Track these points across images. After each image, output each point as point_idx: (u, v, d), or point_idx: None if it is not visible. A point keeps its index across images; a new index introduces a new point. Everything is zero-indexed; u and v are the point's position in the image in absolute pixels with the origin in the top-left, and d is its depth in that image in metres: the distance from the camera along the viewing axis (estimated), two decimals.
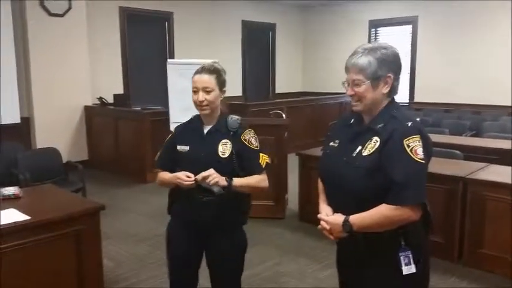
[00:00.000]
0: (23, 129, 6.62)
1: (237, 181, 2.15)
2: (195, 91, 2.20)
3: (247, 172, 2.20)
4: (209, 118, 2.26)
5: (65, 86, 6.92)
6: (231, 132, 2.21)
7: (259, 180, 2.22)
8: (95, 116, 7.33)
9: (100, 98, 7.34)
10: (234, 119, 2.25)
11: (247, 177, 2.19)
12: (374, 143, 1.72)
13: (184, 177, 2.13)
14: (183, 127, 2.36)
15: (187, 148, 2.24)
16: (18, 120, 6.50)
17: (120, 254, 4.05)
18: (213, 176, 2.08)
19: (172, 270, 2.37)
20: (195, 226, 2.25)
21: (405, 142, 1.66)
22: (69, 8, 6.82)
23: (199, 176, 2.09)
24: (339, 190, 1.81)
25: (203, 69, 2.21)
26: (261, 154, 2.25)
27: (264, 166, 2.24)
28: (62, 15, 6.77)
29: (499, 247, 3.53)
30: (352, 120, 1.89)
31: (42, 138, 6.63)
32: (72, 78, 6.98)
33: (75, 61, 7.00)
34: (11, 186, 3.09)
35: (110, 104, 7.39)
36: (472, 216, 3.66)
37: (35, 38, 6.56)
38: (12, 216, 2.57)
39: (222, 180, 2.10)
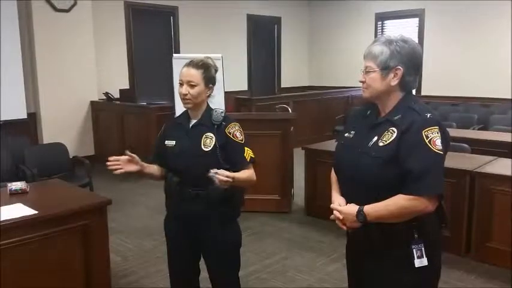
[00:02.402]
0: (30, 124, 6.64)
1: (237, 176, 2.09)
2: (181, 83, 2.21)
3: (233, 165, 2.18)
4: (195, 112, 2.27)
5: (71, 81, 6.93)
6: (215, 126, 2.21)
7: (250, 175, 2.21)
8: (101, 111, 7.34)
9: (106, 93, 7.35)
10: (218, 112, 2.25)
11: (241, 172, 2.17)
12: (391, 134, 1.72)
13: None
14: (171, 122, 2.40)
15: (173, 143, 2.27)
16: (24, 116, 6.52)
17: (127, 248, 4.07)
18: (228, 179, 2.02)
19: (170, 261, 2.41)
20: (186, 220, 2.26)
21: (424, 133, 1.66)
22: (75, 3, 6.82)
23: (226, 174, 2.02)
24: (353, 180, 1.81)
25: (191, 63, 2.21)
26: (246, 148, 2.23)
27: (249, 160, 2.22)
28: (67, 11, 6.77)
29: (507, 241, 3.50)
30: (369, 111, 1.89)
31: (49, 134, 6.65)
32: (78, 74, 6.99)
33: (80, 56, 7.00)
34: (18, 181, 3.10)
35: (116, 99, 7.41)
36: (480, 210, 3.64)
37: (40, 33, 6.56)
38: (19, 210, 2.58)
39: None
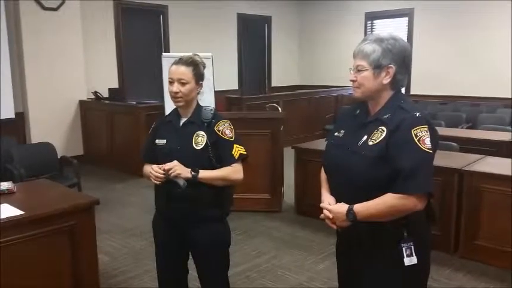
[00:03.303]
0: (18, 124, 6.58)
1: (204, 173, 2.12)
2: (171, 82, 2.20)
3: (221, 163, 2.18)
4: (185, 110, 2.26)
5: (60, 80, 6.87)
6: (205, 124, 2.20)
7: (230, 172, 2.19)
8: (90, 111, 7.29)
9: (95, 93, 7.30)
10: (207, 110, 2.25)
11: (217, 169, 2.17)
12: (380, 133, 1.73)
13: (154, 170, 2.12)
14: (161, 121, 2.39)
15: (164, 141, 2.26)
16: (12, 115, 6.45)
17: (116, 249, 4.04)
18: (174, 169, 2.07)
19: (158, 261, 2.40)
20: (174, 219, 2.25)
21: (413, 132, 1.66)
22: (63, 2, 6.75)
23: (163, 168, 2.09)
24: (343, 180, 1.81)
25: (180, 61, 2.20)
26: (235, 145, 2.22)
27: (237, 157, 2.20)
28: (55, 9, 6.70)
29: (494, 239, 3.54)
30: (358, 111, 1.89)
31: (37, 133, 6.59)
32: (66, 73, 6.93)
33: (69, 55, 6.94)
34: (5, 181, 3.06)
35: (105, 99, 7.36)
36: (468, 208, 3.66)
37: (28, 32, 6.50)
38: (5, 211, 2.55)
39: (186, 173, 2.09)
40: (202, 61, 2.26)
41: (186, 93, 2.18)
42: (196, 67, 2.20)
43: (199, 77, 2.22)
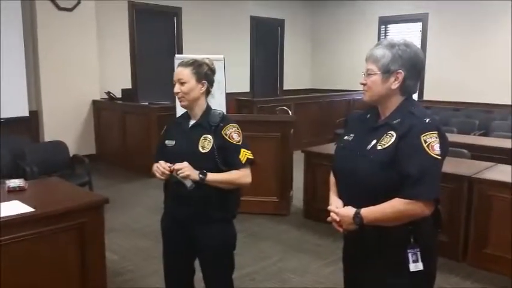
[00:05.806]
0: (31, 122, 6.67)
1: (212, 176, 2.13)
2: (174, 84, 2.25)
3: (228, 167, 2.19)
4: (194, 112, 2.28)
5: (74, 80, 6.96)
6: (212, 127, 2.22)
7: (238, 176, 2.20)
8: (103, 110, 7.37)
9: (108, 93, 7.37)
10: (216, 113, 2.26)
11: (226, 172, 2.18)
12: (389, 138, 1.73)
13: (161, 166, 2.15)
14: (172, 122, 2.43)
15: (173, 143, 2.28)
16: (26, 114, 6.54)
17: (124, 248, 4.08)
18: (184, 169, 2.09)
19: (165, 261, 2.42)
20: (181, 220, 2.27)
21: (422, 137, 1.67)
22: (78, 3, 6.84)
23: (172, 168, 2.11)
24: (351, 183, 1.81)
25: (181, 63, 2.26)
26: (242, 149, 2.22)
27: (244, 162, 2.21)
28: (71, 10, 6.79)
29: (503, 247, 3.50)
30: (369, 115, 1.90)
31: (50, 132, 6.67)
32: (80, 73, 7.02)
33: (83, 55, 7.03)
34: (17, 178, 3.11)
35: (118, 99, 7.43)
36: (477, 216, 3.63)
37: (44, 32, 6.60)
38: (16, 208, 2.58)
39: (195, 175, 2.10)
40: (211, 64, 2.28)
41: (186, 92, 2.21)
42: (197, 67, 2.23)
43: (200, 75, 2.23)
